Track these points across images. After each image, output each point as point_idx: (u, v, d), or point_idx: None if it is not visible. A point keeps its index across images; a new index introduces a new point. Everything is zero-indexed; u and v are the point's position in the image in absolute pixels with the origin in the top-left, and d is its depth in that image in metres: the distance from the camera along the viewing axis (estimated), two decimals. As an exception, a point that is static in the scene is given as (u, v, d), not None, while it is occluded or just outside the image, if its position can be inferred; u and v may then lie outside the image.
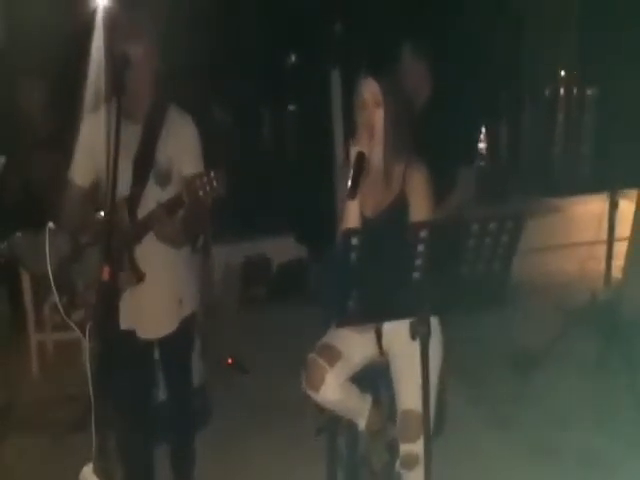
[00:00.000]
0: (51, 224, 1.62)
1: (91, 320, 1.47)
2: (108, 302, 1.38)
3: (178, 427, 2.26)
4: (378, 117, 1.86)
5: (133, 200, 1.85)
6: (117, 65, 1.74)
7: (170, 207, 1.72)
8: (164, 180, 1.88)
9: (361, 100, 1.86)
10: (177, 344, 2.03)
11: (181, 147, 1.91)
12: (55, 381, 3.19)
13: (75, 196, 1.95)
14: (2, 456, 2.50)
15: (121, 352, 1.57)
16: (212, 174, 1.62)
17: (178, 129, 1.94)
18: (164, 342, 1.99)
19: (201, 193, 1.61)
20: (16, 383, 2.95)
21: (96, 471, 1.43)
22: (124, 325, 1.83)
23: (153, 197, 1.84)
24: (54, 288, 1.57)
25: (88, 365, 1.48)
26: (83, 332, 1.48)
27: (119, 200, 1.76)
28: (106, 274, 1.39)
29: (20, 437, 2.70)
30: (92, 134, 1.88)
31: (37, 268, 1.63)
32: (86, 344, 1.45)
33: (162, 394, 2.44)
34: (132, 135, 1.88)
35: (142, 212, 1.84)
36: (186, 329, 2.05)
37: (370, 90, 1.85)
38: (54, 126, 3.14)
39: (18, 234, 1.75)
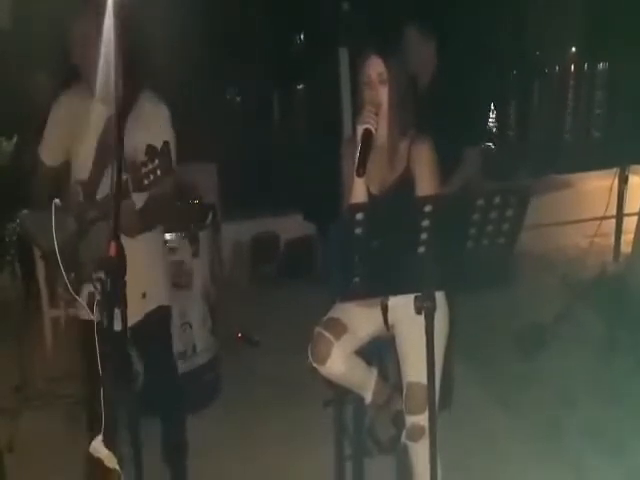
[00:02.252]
0: (57, 201, 1.64)
1: (98, 295, 1.49)
2: (115, 277, 1.40)
3: (162, 413, 2.25)
4: (383, 94, 1.86)
5: (90, 184, 1.82)
6: (80, 44, 1.74)
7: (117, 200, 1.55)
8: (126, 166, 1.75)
9: (366, 77, 1.87)
10: (146, 335, 2.00)
11: (150, 133, 1.81)
12: (69, 357, 3.25)
13: (45, 175, 1.96)
14: (17, 430, 2.57)
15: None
16: (156, 162, 1.55)
17: (148, 117, 1.87)
18: (133, 332, 1.89)
19: (146, 182, 1.56)
20: (31, 359, 3.01)
21: (105, 443, 1.46)
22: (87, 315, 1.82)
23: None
24: (61, 264, 1.59)
25: (96, 341, 1.50)
26: (91, 308, 1.50)
27: (74, 183, 1.76)
28: (113, 249, 1.40)
29: (35, 411, 2.77)
30: (63, 114, 1.89)
31: (45, 245, 1.65)
32: (94, 320, 1.47)
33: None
34: (100, 115, 1.84)
35: (101, 194, 1.79)
36: (154, 322, 2.03)
37: (375, 67, 1.86)
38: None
39: (25, 211, 1.77)
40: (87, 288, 1.61)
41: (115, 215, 1.48)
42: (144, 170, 1.56)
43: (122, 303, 1.44)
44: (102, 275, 1.49)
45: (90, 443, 1.48)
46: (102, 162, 1.82)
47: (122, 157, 1.55)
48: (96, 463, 1.49)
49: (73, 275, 1.70)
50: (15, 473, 2.20)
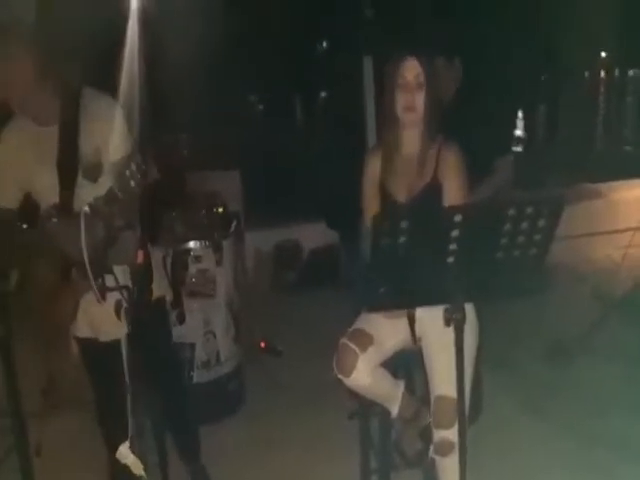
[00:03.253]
0: (86, 208, 1.64)
1: (125, 302, 1.49)
2: (142, 284, 1.40)
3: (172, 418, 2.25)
4: (419, 97, 1.83)
5: (65, 205, 1.77)
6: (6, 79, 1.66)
7: (104, 205, 1.55)
8: (94, 173, 1.73)
9: (401, 79, 1.83)
10: (149, 329, 1.89)
11: (105, 131, 1.74)
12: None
13: (5, 218, 1.87)
14: (44, 434, 2.59)
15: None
16: (139, 159, 1.47)
17: (97, 113, 1.78)
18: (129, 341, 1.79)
19: (133, 184, 1.47)
20: (57, 363, 3.04)
21: (132, 449, 1.46)
22: (82, 334, 1.85)
23: (87, 195, 1.70)
24: (89, 272, 1.59)
25: (123, 347, 1.51)
26: (118, 315, 1.50)
27: (48, 208, 1.70)
28: (141, 257, 1.41)
29: (61, 415, 2.79)
30: (8, 151, 1.82)
31: (73, 253, 1.66)
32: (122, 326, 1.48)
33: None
34: (49, 139, 1.78)
35: (77, 208, 1.70)
36: (155, 315, 2.01)
37: (412, 70, 1.82)
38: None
39: (54, 220, 1.78)
40: (113, 296, 1.61)
41: (144, 224, 1.49)
42: (129, 173, 1.47)
43: (149, 310, 1.44)
44: (129, 282, 1.50)
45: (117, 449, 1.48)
46: (69, 181, 1.77)
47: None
48: (122, 469, 1.49)
49: (99, 283, 1.70)
50: (42, 477, 2.22)
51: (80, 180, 1.77)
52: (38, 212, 1.90)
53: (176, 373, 2.30)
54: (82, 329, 1.90)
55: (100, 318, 1.81)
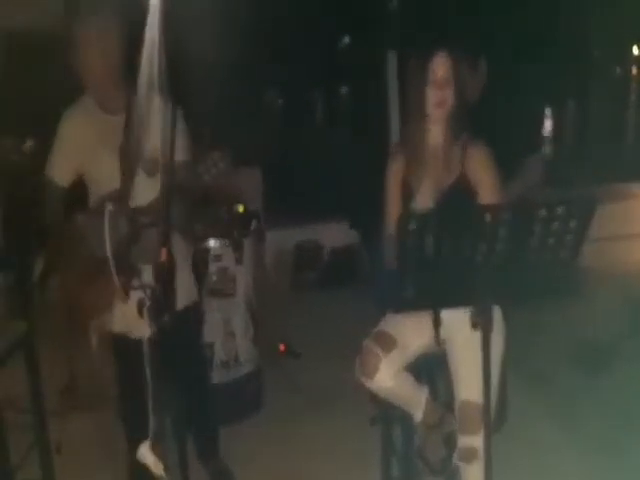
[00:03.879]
0: (111, 206, 1.64)
1: (149, 301, 1.48)
2: (166, 283, 1.39)
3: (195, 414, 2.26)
4: (449, 94, 1.80)
5: (123, 192, 1.82)
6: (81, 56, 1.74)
7: (176, 192, 1.57)
8: (152, 169, 1.82)
9: (432, 75, 1.80)
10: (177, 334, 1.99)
11: (167, 132, 1.75)
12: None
13: (55, 195, 1.93)
14: (65, 432, 2.60)
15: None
16: (213, 156, 1.55)
17: (162, 117, 1.80)
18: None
19: (207, 178, 1.55)
20: (78, 361, 3.05)
21: (153, 449, 1.45)
22: (117, 329, 1.86)
23: (144, 187, 1.80)
24: (113, 269, 1.59)
25: (145, 346, 1.49)
26: (141, 313, 1.49)
27: (108, 194, 1.74)
28: (164, 255, 1.39)
29: (82, 414, 2.79)
30: (71, 131, 1.87)
31: (98, 249, 1.66)
32: (144, 325, 1.46)
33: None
34: (114, 128, 1.84)
35: (133, 204, 1.81)
36: (185, 319, 2.02)
37: (442, 66, 1.79)
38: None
39: (80, 215, 1.79)
40: (136, 294, 1.60)
41: (165, 221, 1.47)
42: (203, 166, 1.56)
43: (171, 308, 1.43)
44: (152, 281, 1.48)
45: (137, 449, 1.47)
46: (130, 172, 1.82)
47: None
48: (143, 469, 1.48)
49: (123, 280, 1.70)
50: (63, 475, 2.23)
51: (139, 172, 1.83)
52: (86, 198, 1.94)
53: (201, 373, 2.31)
54: (117, 324, 1.91)
55: (130, 314, 1.80)
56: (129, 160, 1.83)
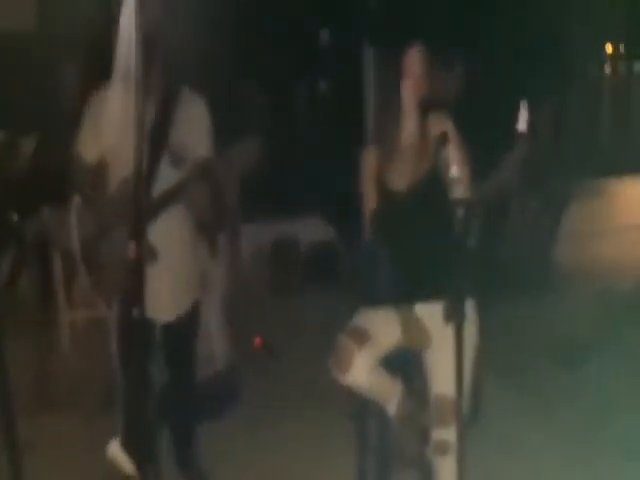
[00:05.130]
0: (78, 199, 1.61)
1: (118, 298, 1.45)
2: (135, 279, 1.37)
3: (177, 410, 2.23)
4: (423, 89, 1.81)
5: (147, 179, 1.82)
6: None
7: (199, 177, 1.72)
8: (178, 162, 1.87)
9: (407, 71, 1.82)
10: (184, 327, 2.01)
11: (194, 131, 1.91)
12: (86, 359, 3.24)
13: (83, 172, 1.96)
14: (34, 432, 2.55)
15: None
16: (244, 144, 1.64)
17: (190, 112, 1.93)
18: (170, 325, 1.94)
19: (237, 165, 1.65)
20: (48, 361, 3.00)
21: (122, 446, 1.43)
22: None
23: (167, 177, 1.84)
24: (82, 265, 1.56)
25: (115, 344, 1.47)
26: (110, 309, 1.47)
27: (122, 182, 1.76)
28: (132, 251, 1.37)
29: (52, 413, 2.74)
30: (102, 111, 1.89)
31: (65, 245, 1.62)
32: (113, 322, 1.44)
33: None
34: (146, 113, 1.83)
35: (156, 191, 1.84)
36: (194, 313, 2.07)
37: (418, 62, 1.82)
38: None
39: (46, 210, 1.75)
40: (108, 289, 1.57)
41: (134, 214, 1.45)
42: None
43: (142, 304, 1.40)
44: (124, 276, 1.46)
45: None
46: (155, 158, 1.86)
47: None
48: (114, 467, 1.45)
49: (94, 276, 1.67)
50: (32, 475, 2.18)
51: (163, 163, 1.87)
52: (106, 181, 1.94)
53: (180, 371, 2.25)
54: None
55: (164, 293, 1.86)
56: (155, 149, 1.85)
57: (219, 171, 1.81)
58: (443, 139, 1.68)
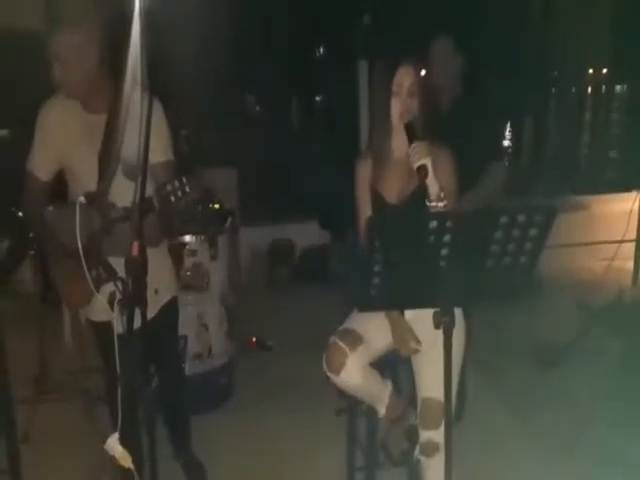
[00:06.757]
0: (82, 198, 1.65)
1: (120, 294, 1.50)
2: (137, 277, 1.41)
3: (168, 404, 2.29)
4: (412, 105, 1.85)
5: (101, 194, 1.78)
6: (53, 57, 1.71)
7: (140, 211, 1.50)
8: (133, 172, 1.68)
9: (397, 87, 1.85)
10: (159, 327, 1.95)
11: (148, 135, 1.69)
12: (87, 352, 3.28)
13: (35, 189, 1.90)
14: (34, 422, 2.60)
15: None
16: (184, 179, 1.49)
17: (144, 118, 1.70)
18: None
19: (173, 199, 1.49)
20: (50, 354, 3.04)
21: (121, 441, 1.47)
22: (103, 317, 1.79)
23: (124, 190, 1.66)
24: (83, 262, 1.60)
25: (115, 338, 1.51)
26: (112, 306, 1.51)
27: (87, 193, 1.70)
28: (135, 249, 1.41)
29: (52, 405, 2.78)
30: (52, 125, 1.84)
31: (68, 242, 1.67)
32: (114, 317, 1.49)
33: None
34: (94, 126, 1.81)
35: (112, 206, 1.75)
36: (167, 313, 2.06)
37: (407, 78, 1.84)
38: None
39: (50, 207, 1.78)
40: (108, 287, 1.63)
41: (139, 218, 1.49)
42: (170, 188, 1.49)
43: (143, 302, 1.45)
44: (124, 275, 1.50)
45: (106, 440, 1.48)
46: (109, 172, 1.78)
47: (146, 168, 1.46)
48: (111, 460, 1.49)
49: (94, 273, 1.71)
50: (30, 464, 2.23)
51: (119, 175, 1.78)
52: (66, 193, 1.91)
53: (174, 366, 2.32)
54: (94, 313, 1.91)
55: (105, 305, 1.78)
56: (109, 160, 1.79)
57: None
58: (421, 173, 1.74)
